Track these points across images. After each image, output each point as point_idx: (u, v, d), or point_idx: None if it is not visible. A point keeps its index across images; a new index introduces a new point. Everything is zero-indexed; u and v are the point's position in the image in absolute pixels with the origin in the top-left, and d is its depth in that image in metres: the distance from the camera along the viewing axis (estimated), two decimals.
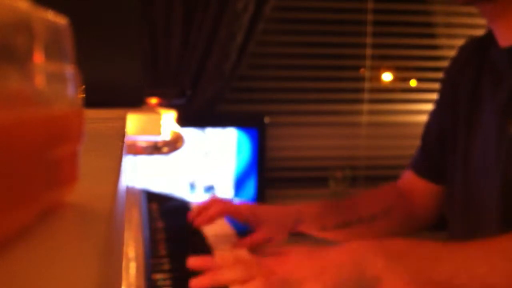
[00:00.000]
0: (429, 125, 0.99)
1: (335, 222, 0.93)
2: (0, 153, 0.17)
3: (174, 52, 1.87)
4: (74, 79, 0.24)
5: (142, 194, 1.21)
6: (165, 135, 0.93)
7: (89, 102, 0.31)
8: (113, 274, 0.20)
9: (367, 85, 2.19)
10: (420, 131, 1.01)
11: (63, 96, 0.23)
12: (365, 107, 2.19)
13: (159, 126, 0.89)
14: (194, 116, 1.95)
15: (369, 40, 2.15)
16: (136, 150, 0.92)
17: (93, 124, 0.55)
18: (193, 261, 0.70)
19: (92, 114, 0.62)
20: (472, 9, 0.82)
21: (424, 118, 1.04)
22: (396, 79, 2.27)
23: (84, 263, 0.17)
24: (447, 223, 0.91)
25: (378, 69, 2.23)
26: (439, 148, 0.94)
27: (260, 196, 2.01)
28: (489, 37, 0.84)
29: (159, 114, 0.92)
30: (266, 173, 2.04)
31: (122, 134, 0.50)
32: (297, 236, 0.93)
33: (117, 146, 0.41)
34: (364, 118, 2.19)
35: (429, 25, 2.21)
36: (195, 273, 0.67)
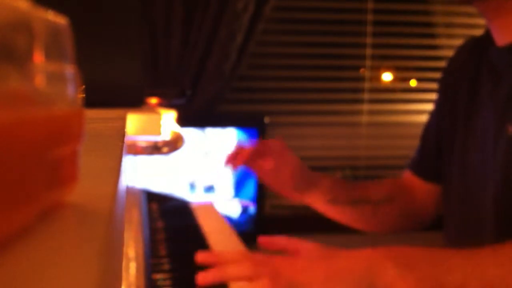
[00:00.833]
0: (428, 125, 0.99)
1: (346, 197, 0.94)
2: (0, 153, 0.17)
3: (174, 52, 1.87)
4: (74, 79, 0.24)
5: (142, 194, 1.21)
6: (165, 135, 0.93)
7: (89, 102, 0.31)
8: (113, 274, 0.20)
9: (367, 85, 2.19)
10: (420, 131, 1.01)
11: (63, 96, 0.23)
12: (365, 107, 2.19)
13: (159, 126, 0.89)
14: (194, 116, 1.95)
15: (369, 40, 2.15)
16: (136, 150, 0.92)
17: (93, 124, 0.55)
18: (201, 257, 0.69)
19: (92, 114, 0.62)
20: (472, 9, 0.82)
21: (424, 118, 1.04)
22: (396, 79, 2.27)
23: (84, 263, 0.17)
24: (443, 222, 0.91)
25: (378, 69, 2.23)
26: (437, 148, 0.94)
27: (260, 196, 2.01)
28: (487, 37, 0.84)
29: (159, 114, 0.92)
30: None
31: (122, 134, 0.50)
32: (302, 235, 0.93)
33: (117, 146, 0.41)
34: (364, 118, 2.19)
35: (429, 25, 2.21)
36: (195, 273, 0.67)
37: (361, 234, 1.17)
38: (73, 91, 0.24)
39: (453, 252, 0.60)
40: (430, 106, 1.02)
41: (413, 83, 2.26)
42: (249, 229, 1.99)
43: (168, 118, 0.95)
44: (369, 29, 2.14)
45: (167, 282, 0.75)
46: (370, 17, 2.14)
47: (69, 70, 0.23)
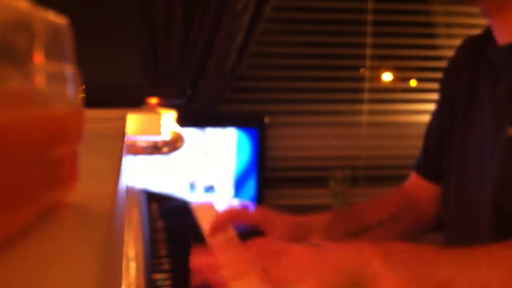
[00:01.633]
0: (430, 126, 0.99)
1: (343, 232, 0.93)
2: (0, 153, 0.17)
3: (174, 52, 1.87)
4: (74, 79, 0.24)
5: (142, 194, 1.21)
6: (165, 135, 0.93)
7: (89, 102, 0.31)
8: (113, 274, 0.20)
9: (367, 85, 2.19)
10: (420, 131, 1.01)
11: (63, 96, 0.23)
12: (365, 107, 2.19)
13: (159, 126, 0.89)
14: (194, 116, 1.95)
15: (369, 40, 2.15)
16: (136, 150, 0.92)
17: (93, 124, 0.55)
18: (194, 261, 0.69)
19: (92, 114, 0.62)
20: (472, 9, 0.82)
21: (424, 118, 1.04)
22: (396, 79, 2.27)
23: (84, 263, 0.17)
24: (442, 223, 0.91)
25: (378, 69, 2.23)
26: (439, 148, 0.94)
27: (260, 196, 2.01)
28: (486, 36, 0.84)
29: (159, 114, 0.92)
30: (266, 173, 2.04)
31: (122, 134, 0.50)
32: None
33: (117, 146, 0.41)
34: (364, 118, 2.19)
35: (429, 25, 2.21)
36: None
37: None
38: (73, 91, 0.24)
39: (442, 251, 0.61)
40: (430, 106, 1.02)
41: (413, 83, 2.26)
42: (249, 229, 1.99)
43: (168, 118, 0.95)
44: (369, 29, 2.14)
45: (167, 282, 0.75)
46: (370, 17, 2.14)
47: (69, 70, 0.23)
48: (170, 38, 1.85)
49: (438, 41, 2.21)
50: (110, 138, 0.48)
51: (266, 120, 2.04)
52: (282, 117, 2.13)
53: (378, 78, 2.24)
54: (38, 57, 0.20)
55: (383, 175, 2.19)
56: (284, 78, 2.14)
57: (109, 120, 0.66)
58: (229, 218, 0.89)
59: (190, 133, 1.91)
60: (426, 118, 1.01)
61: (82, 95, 0.25)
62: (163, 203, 1.18)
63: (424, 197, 0.98)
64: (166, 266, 0.81)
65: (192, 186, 1.97)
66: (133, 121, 0.84)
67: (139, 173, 1.41)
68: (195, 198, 1.35)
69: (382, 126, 2.21)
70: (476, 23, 2.04)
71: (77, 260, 0.17)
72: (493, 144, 0.76)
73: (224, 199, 1.97)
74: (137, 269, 0.74)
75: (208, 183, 1.98)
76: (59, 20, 0.23)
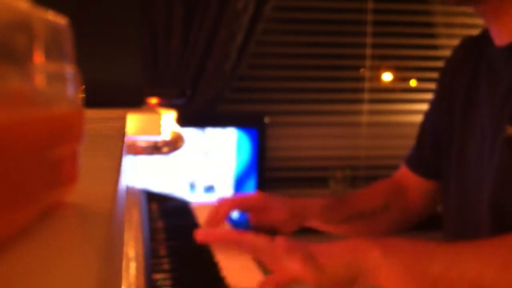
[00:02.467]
0: (424, 124, 1.00)
1: (339, 216, 0.95)
2: (0, 153, 0.17)
3: (174, 52, 1.87)
4: (74, 79, 0.24)
5: (142, 194, 1.21)
6: (165, 135, 0.93)
7: (89, 102, 0.31)
8: (113, 274, 0.20)
9: (367, 85, 2.19)
10: None
11: (63, 96, 0.23)
12: (365, 107, 2.19)
13: (159, 126, 0.89)
14: (194, 116, 1.95)
15: (369, 40, 2.15)
16: (136, 150, 0.92)
17: (93, 124, 0.55)
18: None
19: (92, 114, 0.62)
20: (472, 9, 0.82)
21: None
22: (396, 79, 2.27)
23: (84, 263, 0.17)
24: (442, 222, 0.91)
25: (378, 69, 2.23)
26: (433, 147, 0.95)
27: None
28: (484, 36, 0.84)
29: (159, 114, 0.92)
30: (266, 173, 2.04)
31: (122, 134, 0.50)
32: (302, 235, 0.93)
33: (117, 146, 0.41)
34: (364, 118, 2.19)
35: (429, 25, 2.21)
36: (195, 272, 0.67)
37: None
38: (73, 91, 0.24)
39: (437, 245, 0.63)
40: None
41: (413, 83, 2.26)
42: (249, 229, 1.99)
43: (168, 118, 0.95)
44: (369, 29, 2.14)
45: (167, 282, 0.75)
46: (370, 17, 2.14)
47: (69, 70, 0.24)
48: (170, 38, 1.85)
49: (438, 41, 2.21)
50: (110, 138, 0.48)
51: (266, 120, 2.04)
52: (282, 117, 2.13)
53: (378, 78, 2.24)
54: (38, 57, 0.20)
55: (383, 175, 2.18)
56: (284, 78, 2.14)
57: (109, 120, 0.66)
58: (228, 206, 0.89)
59: (190, 133, 1.91)
60: None
61: (82, 95, 0.25)
62: (163, 203, 1.18)
63: (412, 190, 1.00)
64: (166, 266, 0.81)
65: (192, 186, 1.97)
66: (133, 121, 0.84)
67: (139, 173, 1.41)
68: (195, 198, 1.35)
69: (382, 126, 2.21)
70: (476, 23, 2.04)
71: (77, 260, 0.17)
72: (492, 144, 0.76)
73: None
74: (137, 269, 0.74)
75: (208, 183, 1.98)
76: (59, 20, 0.23)
